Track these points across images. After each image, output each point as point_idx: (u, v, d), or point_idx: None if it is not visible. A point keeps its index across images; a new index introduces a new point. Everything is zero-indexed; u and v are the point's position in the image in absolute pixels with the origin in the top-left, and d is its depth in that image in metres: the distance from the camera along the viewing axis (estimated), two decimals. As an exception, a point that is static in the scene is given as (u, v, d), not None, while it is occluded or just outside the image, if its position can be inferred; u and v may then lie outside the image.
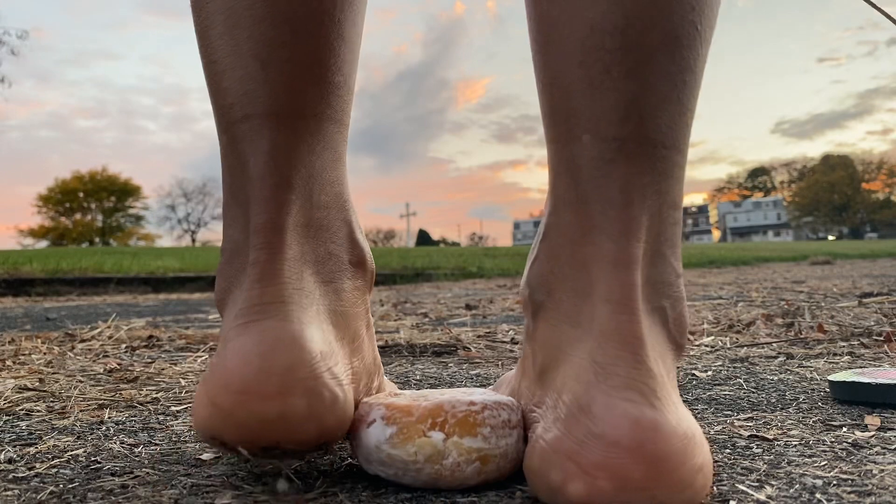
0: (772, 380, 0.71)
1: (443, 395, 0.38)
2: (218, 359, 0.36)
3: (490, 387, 0.54)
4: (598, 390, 0.33)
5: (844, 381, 0.58)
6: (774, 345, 0.96)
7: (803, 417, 0.53)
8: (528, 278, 0.41)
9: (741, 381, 0.70)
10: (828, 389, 0.63)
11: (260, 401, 0.34)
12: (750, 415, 0.55)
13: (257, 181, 0.39)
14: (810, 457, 0.42)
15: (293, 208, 0.39)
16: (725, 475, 0.39)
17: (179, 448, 0.48)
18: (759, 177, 61.16)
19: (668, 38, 0.35)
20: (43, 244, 33.94)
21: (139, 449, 0.48)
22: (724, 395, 0.63)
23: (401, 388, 0.71)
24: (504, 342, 1.08)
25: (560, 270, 0.39)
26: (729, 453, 0.44)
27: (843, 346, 0.92)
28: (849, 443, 0.45)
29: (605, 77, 0.35)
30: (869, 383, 0.56)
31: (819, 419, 0.52)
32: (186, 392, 0.70)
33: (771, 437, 0.47)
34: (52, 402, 0.65)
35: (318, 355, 0.36)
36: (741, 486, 0.37)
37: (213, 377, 0.35)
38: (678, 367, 0.79)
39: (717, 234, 59.00)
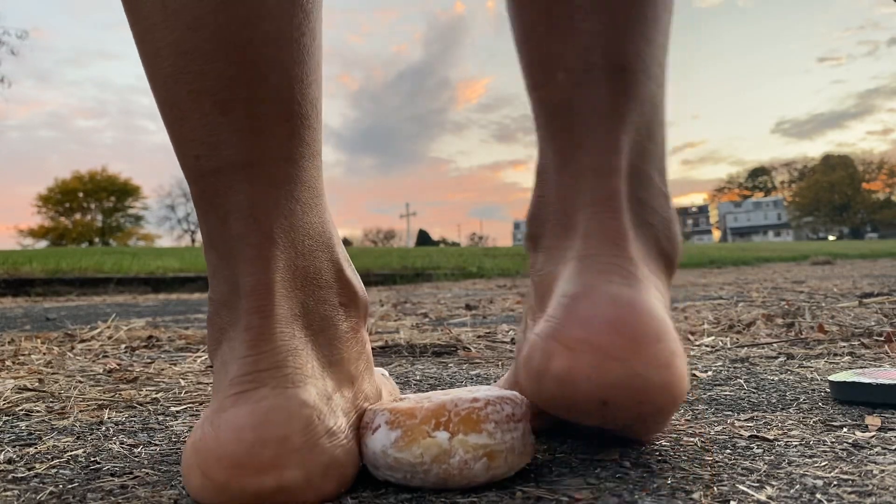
0: (772, 380, 0.71)
1: (446, 395, 0.38)
2: (211, 428, 0.35)
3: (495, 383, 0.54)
4: (580, 277, 0.36)
5: (845, 382, 0.58)
6: (775, 345, 0.96)
7: (804, 418, 0.53)
8: (527, 217, 0.44)
9: (741, 381, 0.70)
10: (828, 390, 0.63)
11: (254, 475, 0.33)
12: (750, 415, 0.55)
13: (239, 240, 0.37)
14: (811, 457, 0.42)
15: (280, 263, 0.38)
16: (726, 475, 0.39)
17: (179, 448, 0.48)
18: (759, 177, 61.17)
19: None
20: (43, 244, 33.97)
21: (139, 449, 0.48)
22: (725, 395, 0.63)
23: (401, 389, 0.71)
24: (504, 342, 1.08)
25: (548, 199, 0.41)
26: (729, 453, 0.43)
27: (844, 347, 0.92)
28: (849, 443, 0.45)
29: (570, 21, 0.39)
30: (869, 383, 0.56)
31: (819, 419, 0.52)
32: (186, 392, 0.70)
33: (771, 438, 0.47)
34: (51, 402, 0.65)
35: (314, 420, 0.35)
36: (741, 487, 0.37)
37: (205, 448, 0.34)
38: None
39: (717, 234, 59.02)
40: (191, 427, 0.55)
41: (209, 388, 0.72)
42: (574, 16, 0.39)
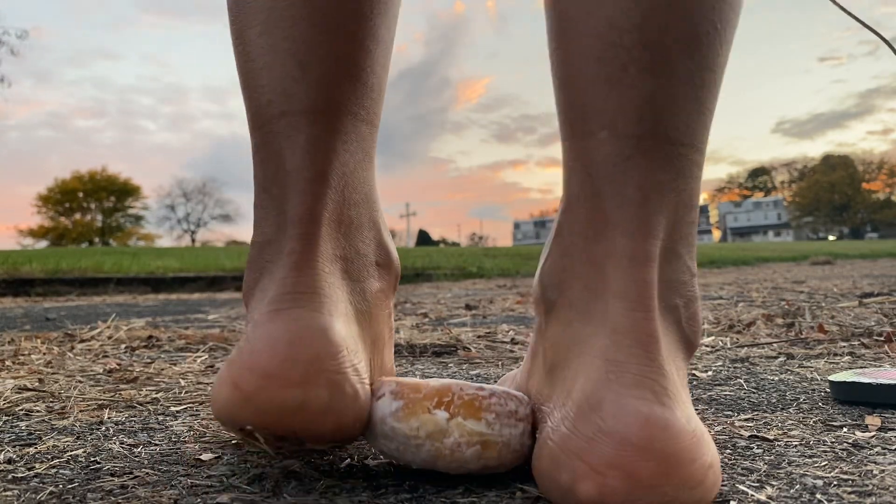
0: (772, 380, 0.71)
1: (456, 382, 0.38)
2: (245, 342, 0.36)
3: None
4: (608, 388, 0.33)
5: (845, 382, 0.58)
6: (775, 345, 0.96)
7: (804, 418, 0.53)
8: (541, 276, 0.41)
9: (741, 381, 0.70)
10: (828, 390, 0.63)
11: (282, 387, 0.34)
12: (750, 415, 0.55)
13: (294, 173, 0.39)
14: (811, 457, 0.42)
15: (328, 202, 0.40)
16: (726, 475, 0.39)
17: (179, 448, 0.48)
18: (759, 177, 61.14)
19: (687, 36, 0.35)
20: (43, 244, 33.97)
21: (139, 449, 0.48)
22: (725, 395, 0.63)
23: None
24: (504, 342, 1.08)
25: (573, 268, 0.38)
26: (729, 453, 0.43)
27: (844, 347, 0.92)
28: (849, 443, 0.45)
29: (623, 74, 0.35)
30: (869, 383, 0.56)
31: (819, 419, 0.52)
32: (186, 392, 0.70)
33: (771, 438, 0.47)
34: (51, 402, 0.65)
35: (344, 349, 0.36)
36: (741, 487, 0.37)
37: (239, 359, 0.35)
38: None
39: (717, 234, 59.02)
40: (191, 427, 0.55)
41: (209, 388, 0.72)
42: (628, 68, 0.35)
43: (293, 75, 0.40)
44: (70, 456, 0.46)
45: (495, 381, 0.73)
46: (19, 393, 0.68)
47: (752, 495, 0.35)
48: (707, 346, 0.98)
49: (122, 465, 0.44)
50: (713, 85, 0.37)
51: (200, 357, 0.96)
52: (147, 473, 0.42)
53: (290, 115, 0.40)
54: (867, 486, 0.37)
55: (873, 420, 0.51)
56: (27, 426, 0.55)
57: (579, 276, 0.38)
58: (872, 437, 0.47)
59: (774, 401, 0.60)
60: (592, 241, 0.37)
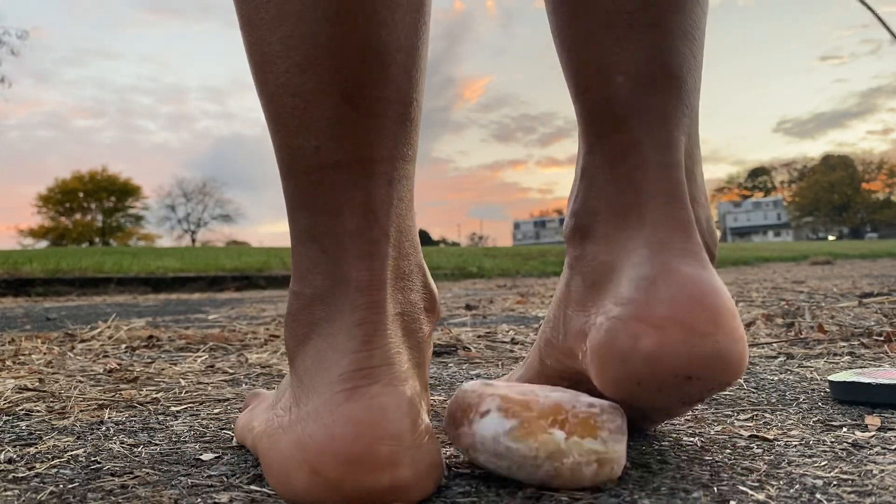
0: (772, 380, 0.71)
1: (553, 392, 0.38)
2: (319, 424, 0.34)
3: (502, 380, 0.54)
4: (656, 260, 0.37)
5: (845, 381, 0.58)
6: (775, 345, 0.96)
7: (803, 417, 0.53)
8: (572, 212, 0.44)
9: (741, 381, 0.70)
10: (828, 389, 0.63)
11: (371, 472, 0.33)
12: (750, 415, 0.55)
13: (356, 236, 0.37)
14: (810, 457, 0.42)
15: (390, 261, 0.38)
16: (726, 475, 0.39)
17: (179, 448, 0.48)
18: (759, 177, 61.15)
19: (676, 1, 0.41)
20: (43, 244, 33.95)
21: (139, 449, 0.48)
22: (724, 395, 0.63)
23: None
24: (504, 342, 1.08)
25: (601, 190, 0.42)
26: (729, 453, 0.43)
27: (844, 346, 0.92)
28: (849, 443, 0.45)
29: (630, 31, 0.41)
30: (869, 383, 0.56)
31: (819, 419, 0.52)
32: (186, 392, 0.70)
33: (771, 438, 0.47)
34: (52, 402, 0.65)
35: (419, 419, 0.36)
36: (741, 487, 0.37)
37: (317, 445, 0.34)
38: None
39: (717, 233, 58.95)
40: (191, 427, 0.55)
41: (209, 388, 0.72)
42: (634, 26, 0.41)
43: (346, 118, 0.36)
44: (70, 456, 0.46)
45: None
46: (20, 393, 0.68)
47: (751, 495, 0.35)
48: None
49: (122, 464, 0.44)
50: (700, 41, 0.43)
51: (201, 357, 0.96)
52: (147, 473, 0.42)
53: (344, 168, 0.37)
54: (867, 486, 0.37)
55: (873, 420, 0.51)
56: (27, 426, 0.55)
57: (608, 195, 0.42)
58: (872, 437, 0.47)
59: (774, 401, 0.60)
60: (620, 162, 0.41)
